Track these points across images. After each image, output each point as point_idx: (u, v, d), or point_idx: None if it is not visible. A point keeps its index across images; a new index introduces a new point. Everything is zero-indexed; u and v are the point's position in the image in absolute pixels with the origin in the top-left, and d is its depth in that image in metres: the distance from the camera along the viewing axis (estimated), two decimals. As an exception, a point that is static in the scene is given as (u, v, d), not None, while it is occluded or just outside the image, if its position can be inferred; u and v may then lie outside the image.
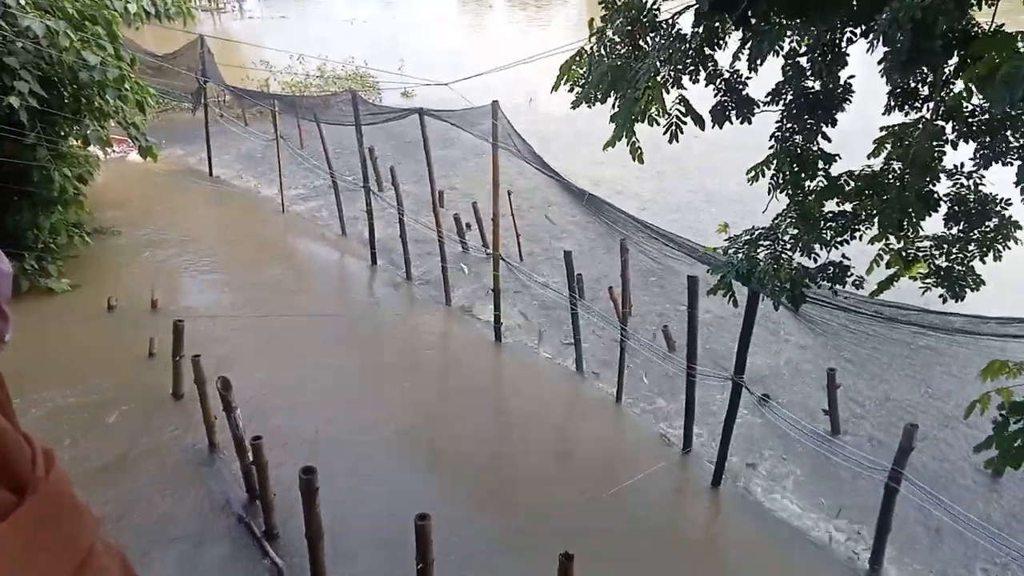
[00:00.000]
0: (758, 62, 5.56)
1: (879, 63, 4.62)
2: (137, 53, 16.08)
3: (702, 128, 5.64)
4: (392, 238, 16.02)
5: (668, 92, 5.60)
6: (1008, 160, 5.66)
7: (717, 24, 5.79)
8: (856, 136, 7.35)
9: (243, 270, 15.55)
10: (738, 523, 9.53)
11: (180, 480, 9.14)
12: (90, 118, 13.99)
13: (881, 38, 4.26)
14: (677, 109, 5.58)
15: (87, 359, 11.80)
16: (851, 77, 5.93)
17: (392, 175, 15.55)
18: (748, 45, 5.81)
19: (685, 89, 5.99)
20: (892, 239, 6.14)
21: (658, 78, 5.77)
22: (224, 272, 15.39)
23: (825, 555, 8.83)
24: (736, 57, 6.11)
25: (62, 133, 13.95)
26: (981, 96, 4.09)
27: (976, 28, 5.50)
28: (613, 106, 5.73)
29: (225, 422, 8.54)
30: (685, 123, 5.59)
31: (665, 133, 5.59)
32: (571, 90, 6.42)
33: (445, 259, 14.53)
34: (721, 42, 6.02)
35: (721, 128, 5.96)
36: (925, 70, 5.84)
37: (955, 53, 4.71)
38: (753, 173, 6.37)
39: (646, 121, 5.50)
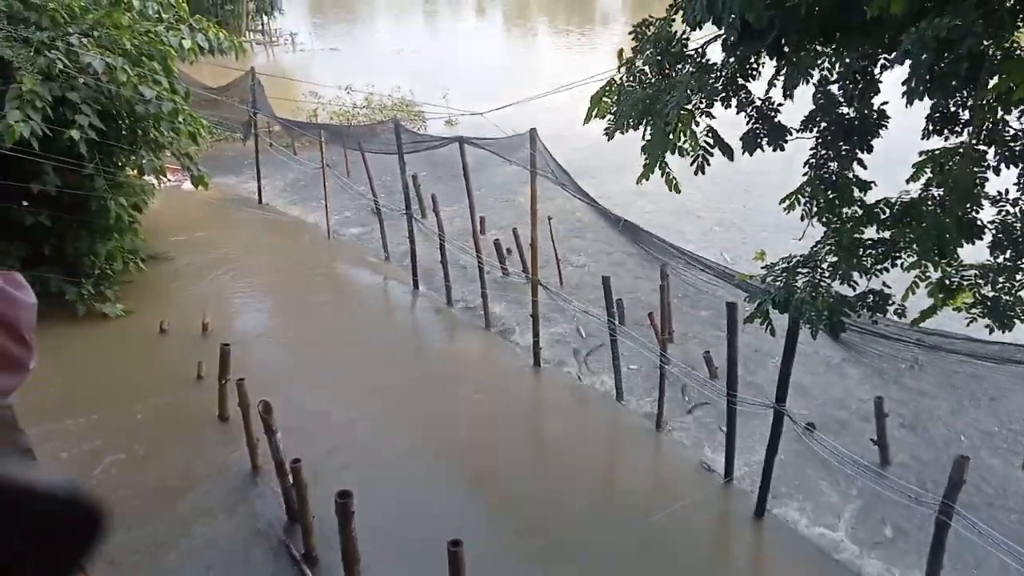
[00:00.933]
0: (793, 89, 5.55)
1: (902, 84, 4.57)
2: (191, 87, 16.75)
3: (731, 159, 5.63)
4: (434, 263, 16.23)
5: (697, 123, 5.61)
6: (1053, 186, 5.51)
7: (750, 54, 5.80)
8: (895, 163, 7.23)
9: (290, 295, 15.92)
10: (781, 555, 9.30)
11: (224, 502, 9.34)
12: (145, 149, 14.57)
13: (905, 59, 4.22)
14: (705, 140, 5.58)
15: (139, 381, 12.18)
16: (885, 103, 5.85)
17: (433, 201, 15.80)
18: (782, 72, 5.80)
19: (714, 118, 5.99)
20: (931, 267, 5.99)
21: (689, 106, 5.78)
22: (271, 297, 15.78)
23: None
24: (771, 84, 6.09)
25: (119, 163, 14.55)
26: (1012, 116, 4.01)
27: (1018, 51, 5.40)
28: (643, 137, 5.76)
29: (267, 444, 8.71)
30: (712, 154, 5.58)
31: (692, 164, 5.59)
32: (603, 118, 6.48)
33: (485, 284, 14.64)
34: (755, 72, 6.02)
35: (751, 155, 5.94)
36: (965, 93, 5.73)
37: (989, 76, 4.62)
38: (788, 202, 6.31)
39: (676, 152, 5.51)
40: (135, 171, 14.90)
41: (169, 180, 22.06)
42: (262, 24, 54.53)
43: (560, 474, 10.63)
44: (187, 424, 10.90)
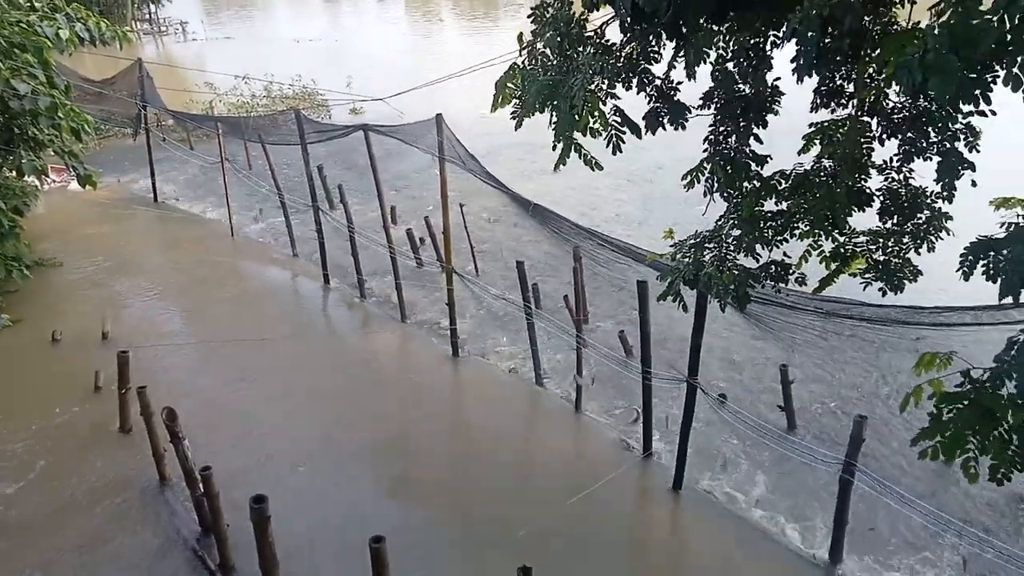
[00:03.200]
0: (695, 68, 5.65)
1: (791, 60, 4.73)
2: (73, 80, 15.70)
3: (639, 137, 5.69)
4: (345, 257, 15.88)
5: (604, 103, 5.64)
6: (929, 156, 5.82)
7: (652, 38, 5.86)
8: (789, 135, 7.50)
9: (193, 297, 15.24)
10: (700, 524, 9.58)
11: (130, 516, 8.87)
12: (24, 148, 13.58)
13: (792, 36, 4.37)
14: (614, 120, 5.62)
15: (31, 394, 11.42)
16: (777, 79, 6.04)
17: (340, 193, 15.43)
18: (682, 53, 5.89)
19: (619, 99, 6.04)
20: (823, 236, 6.26)
21: (592, 87, 5.80)
22: (173, 300, 15.06)
23: (785, 551, 8.92)
24: (672, 65, 6.19)
25: (-6, 164, 13.53)
26: (897, 87, 4.22)
27: (895, 26, 5.67)
28: (550, 122, 5.75)
29: (174, 454, 8.30)
30: (624, 132, 5.62)
31: (608, 145, 5.62)
32: (509, 104, 6.43)
33: (398, 275, 14.44)
34: (656, 55, 6.09)
35: (654, 134, 6.02)
36: (849, 68, 5.98)
37: (870, 51, 4.83)
38: (689, 179, 6.45)
39: (587, 133, 5.53)
40: (13, 172, 13.88)
41: (54, 181, 20.81)
42: (149, 13, 51.86)
43: (481, 461, 10.63)
44: (86, 438, 10.29)
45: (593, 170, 6.35)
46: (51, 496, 9.16)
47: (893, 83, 4.23)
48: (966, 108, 4.94)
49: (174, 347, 12.91)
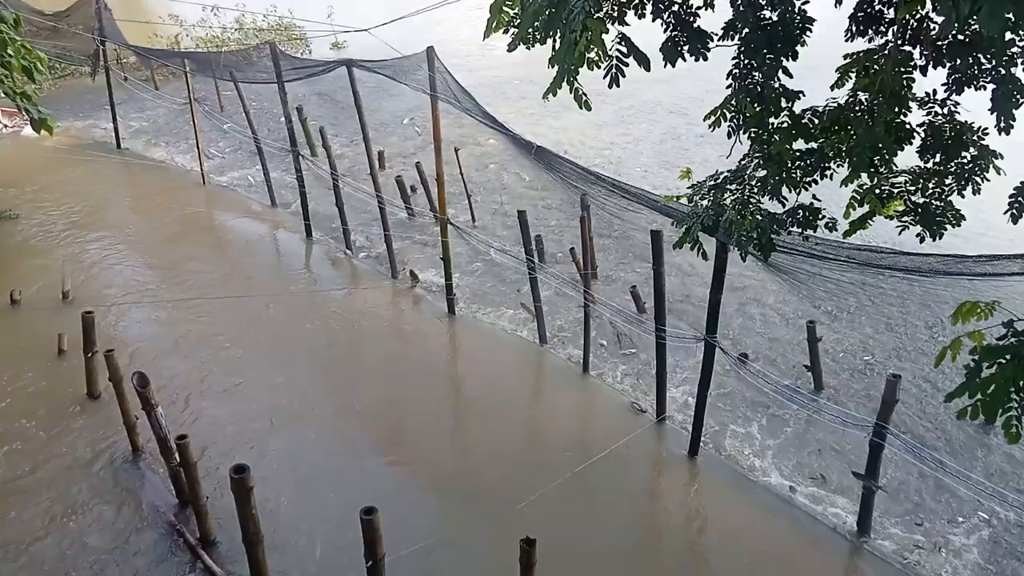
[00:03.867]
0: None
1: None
2: (22, 13, 15.40)
3: (647, 69, 5.55)
4: (328, 207, 15.80)
5: (607, 31, 5.48)
6: (981, 84, 5.71)
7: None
8: (822, 70, 7.37)
9: (163, 252, 15.22)
10: (718, 492, 9.70)
11: (103, 489, 8.98)
12: (-30, 89, 13.38)
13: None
14: (618, 50, 5.49)
15: (-11, 361, 11.47)
16: (806, 2, 5.90)
17: (322, 136, 15.29)
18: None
19: (627, 25, 5.90)
20: (865, 178, 6.18)
21: (600, 13, 5.65)
22: (141, 255, 15.03)
23: (812, 521, 9.05)
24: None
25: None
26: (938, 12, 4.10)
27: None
28: (552, 50, 5.61)
29: (147, 422, 8.37)
30: (627, 64, 5.50)
31: (605, 77, 5.50)
32: (506, 31, 6.28)
33: (388, 227, 14.38)
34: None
35: (673, 66, 5.90)
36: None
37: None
38: (713, 118, 6.35)
39: (584, 65, 5.40)
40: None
41: (5, 126, 20.63)
42: (105, -63, 50.66)
43: (481, 427, 10.74)
44: (52, 406, 10.35)
45: (581, 108, 6.27)
46: (13, 470, 9.25)
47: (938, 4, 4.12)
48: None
49: (143, 307, 12.93)
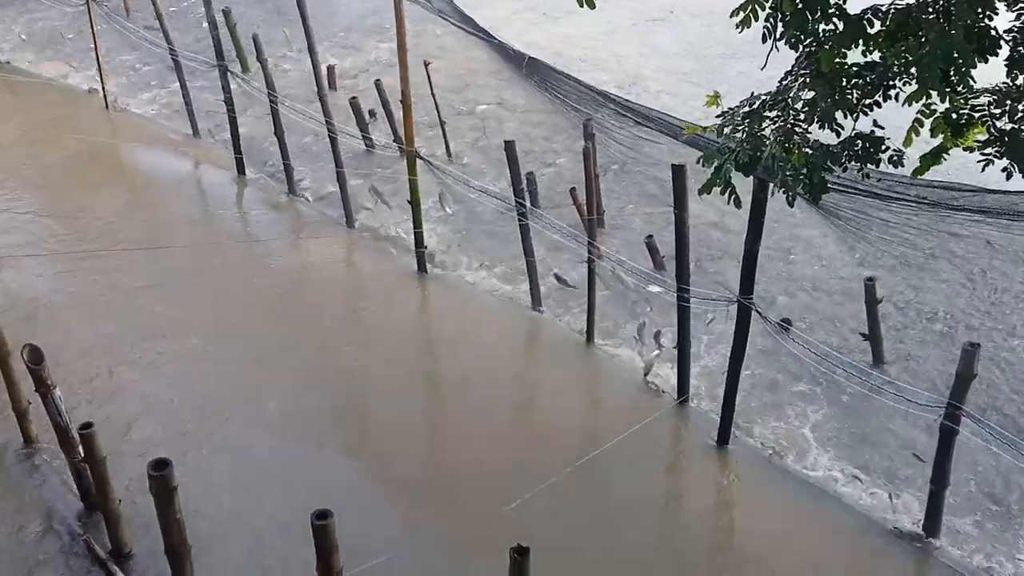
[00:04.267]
0: None
1: None
2: None
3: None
4: (266, 137, 15.68)
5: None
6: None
7: None
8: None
9: (57, 192, 15.13)
10: (754, 490, 9.84)
11: (-14, 491, 9.02)
12: None
13: None
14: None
15: None
16: None
17: (256, 47, 15.07)
18: None
19: None
20: (936, 97, 6.16)
21: None
22: (30, 196, 14.92)
23: (866, 523, 9.19)
24: None
25: None
26: None
27: None
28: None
29: (42, 406, 8.37)
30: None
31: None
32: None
33: (341, 162, 14.31)
34: None
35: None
36: None
37: None
38: (742, 14, 6.27)
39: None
40: None
41: None
42: None
43: (464, 411, 10.80)
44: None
45: (583, 5, 6.21)
46: None
47: None
48: None
49: (37, 262, 12.84)
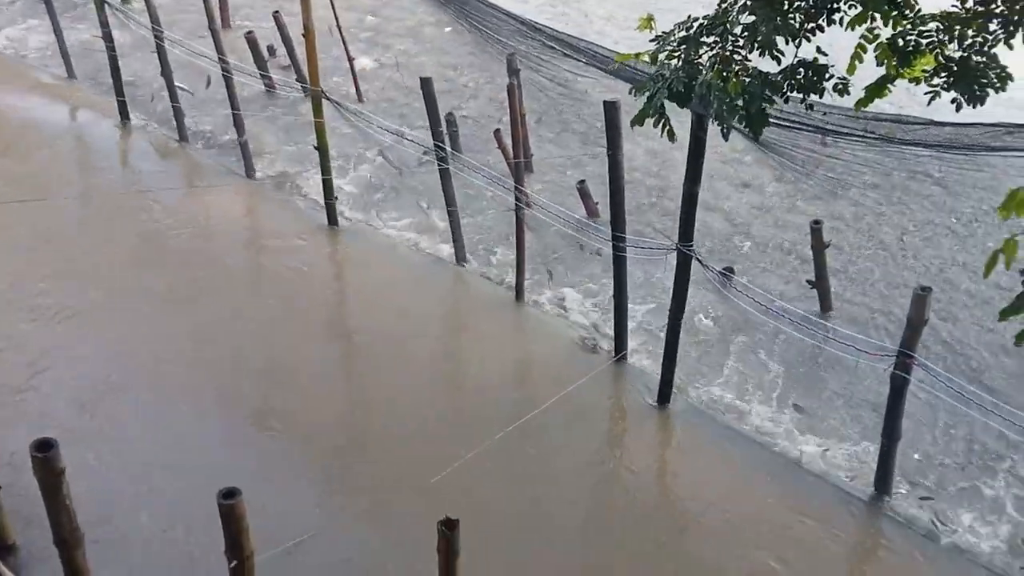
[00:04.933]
0: None
1: None
2: None
3: None
4: (152, 79, 15.32)
5: None
6: None
7: None
8: None
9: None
10: (697, 450, 10.01)
11: None
12: None
13: None
14: None
15: None
16: None
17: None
18: None
19: None
20: (880, 22, 6.25)
21: None
22: None
23: (815, 482, 9.41)
24: None
25: None
26: None
27: None
28: None
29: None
30: None
31: None
32: None
33: (238, 105, 14.06)
34: None
35: None
36: None
37: None
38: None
39: None
40: None
41: None
42: None
43: (385, 377, 10.77)
44: None
45: None
46: None
47: None
48: None
49: None
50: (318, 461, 9.49)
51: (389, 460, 9.48)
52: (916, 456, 9.60)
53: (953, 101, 6.65)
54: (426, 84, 11.89)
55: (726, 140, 6.92)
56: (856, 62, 6.66)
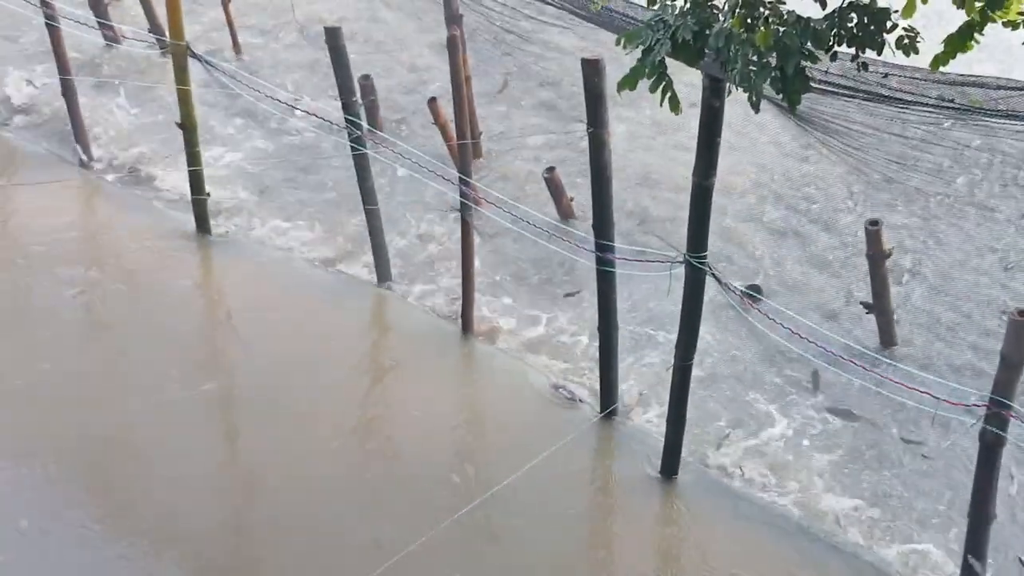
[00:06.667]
0: None
1: None
2: None
3: None
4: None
5: None
6: None
7: None
8: None
9: None
10: (718, 544, 10.00)
11: None
12: None
13: None
14: None
15: None
16: None
17: None
18: None
19: None
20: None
21: None
22: None
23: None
24: None
25: None
26: None
27: None
28: None
29: None
30: None
31: None
32: None
33: (68, 66, 13.97)
34: None
35: None
36: None
37: None
38: None
39: None
40: None
41: None
42: None
43: (288, 444, 10.66)
44: None
45: None
46: None
47: None
48: None
49: None
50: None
51: (295, 561, 9.41)
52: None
53: (1059, 57, 6.77)
54: (332, 36, 11.81)
55: (756, 111, 6.95)
56: (919, 1, 6.72)
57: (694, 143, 8.63)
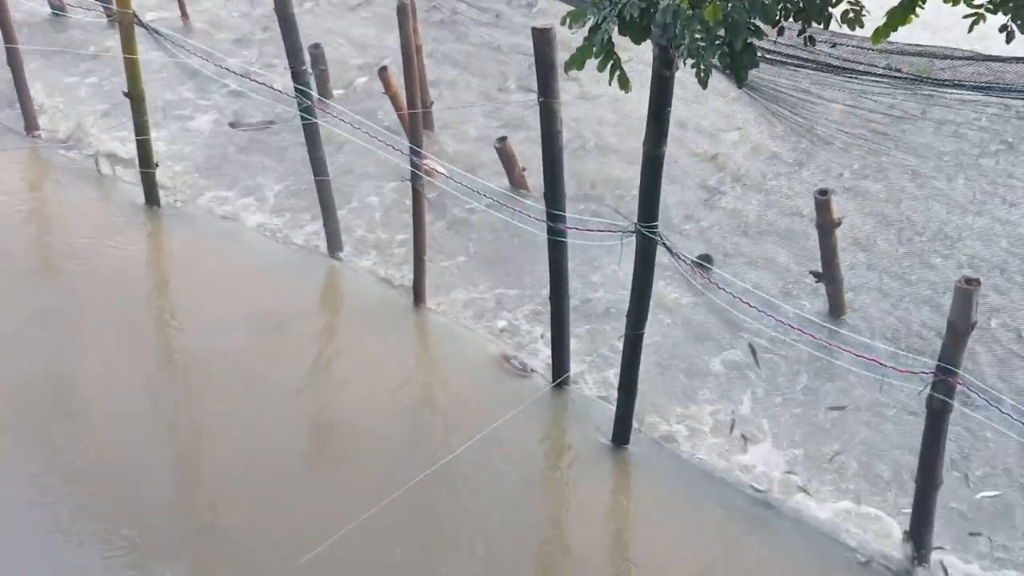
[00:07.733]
0: None
1: None
2: None
3: None
4: None
5: None
6: None
7: None
8: None
9: None
10: (667, 510, 10.09)
11: None
12: None
13: None
14: None
15: None
16: None
17: None
18: None
19: None
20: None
21: None
22: None
23: (834, 547, 9.56)
24: None
25: None
26: None
27: None
28: None
29: None
30: None
31: None
32: None
33: (13, 35, 13.83)
34: None
35: None
36: None
37: None
38: None
39: None
40: None
41: None
42: None
43: (237, 415, 10.65)
44: None
45: None
46: None
47: None
48: None
49: None
50: (144, 538, 9.41)
51: (241, 533, 9.43)
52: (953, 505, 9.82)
53: (1002, 29, 6.82)
54: (282, 4, 11.75)
55: (704, 86, 6.99)
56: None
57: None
